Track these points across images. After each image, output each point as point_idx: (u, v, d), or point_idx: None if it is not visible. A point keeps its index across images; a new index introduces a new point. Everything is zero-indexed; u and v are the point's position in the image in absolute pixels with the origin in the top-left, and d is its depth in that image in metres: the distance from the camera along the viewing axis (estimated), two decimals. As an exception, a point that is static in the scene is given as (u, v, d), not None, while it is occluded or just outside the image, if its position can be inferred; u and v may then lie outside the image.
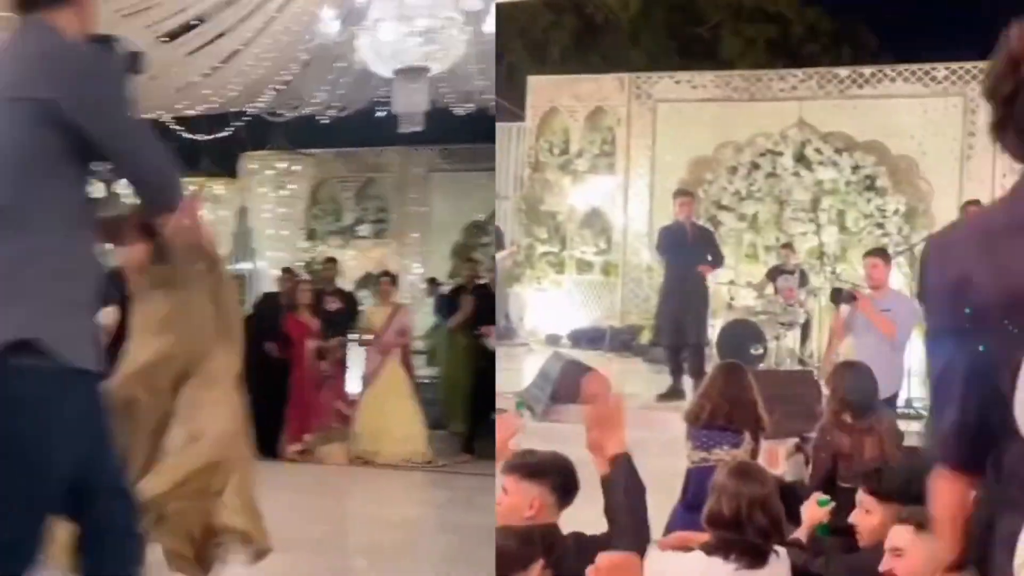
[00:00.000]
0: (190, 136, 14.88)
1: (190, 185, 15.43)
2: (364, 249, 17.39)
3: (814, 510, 5.02)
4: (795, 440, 7.17)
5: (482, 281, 13.47)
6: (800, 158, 15.91)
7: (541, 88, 17.19)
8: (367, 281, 16.06)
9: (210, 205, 16.08)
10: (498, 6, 10.42)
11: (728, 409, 5.94)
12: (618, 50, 20.43)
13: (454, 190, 17.51)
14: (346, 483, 10.59)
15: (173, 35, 10.72)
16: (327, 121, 13.36)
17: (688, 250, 11.67)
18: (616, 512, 3.76)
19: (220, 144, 15.18)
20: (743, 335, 12.83)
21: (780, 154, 15.94)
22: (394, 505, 9.75)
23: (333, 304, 12.30)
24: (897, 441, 6.20)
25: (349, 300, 12.92)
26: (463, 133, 14.96)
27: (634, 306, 16.55)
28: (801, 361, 13.39)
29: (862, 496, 4.57)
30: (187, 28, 10.58)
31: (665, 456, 6.23)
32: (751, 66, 18.63)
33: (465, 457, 11.89)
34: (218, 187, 16.21)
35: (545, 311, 16.75)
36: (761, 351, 12.65)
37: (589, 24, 21.31)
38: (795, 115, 16.02)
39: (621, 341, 15.49)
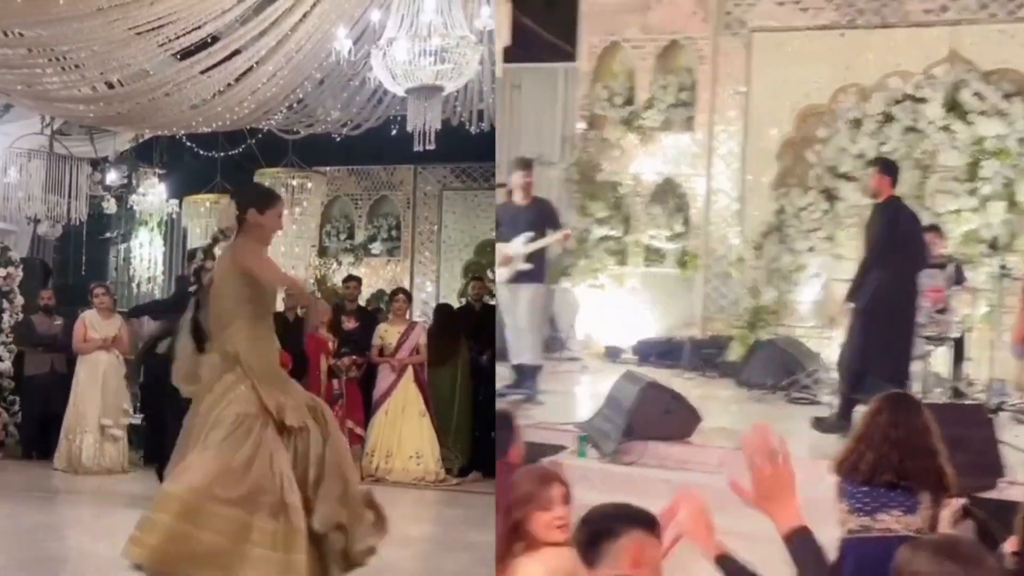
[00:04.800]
0: (204, 153, 14.96)
1: (205, 202, 15.63)
2: (376, 267, 17.41)
3: None
4: (962, 501, 5.70)
5: (493, 302, 13.22)
6: (953, 106, 12.06)
7: (598, 16, 13.75)
8: (378, 299, 16.07)
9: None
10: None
11: (898, 460, 4.65)
12: None
13: (466, 208, 17.50)
14: (357, 501, 10.58)
15: (187, 53, 10.76)
16: (340, 139, 13.37)
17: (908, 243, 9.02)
18: None
19: (234, 161, 15.24)
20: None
21: (924, 101, 12.18)
22: (405, 523, 9.73)
23: (350, 323, 12.34)
24: None
25: (368, 319, 12.92)
26: (475, 151, 14.94)
27: (720, 310, 13.35)
28: (956, 391, 10.31)
29: None
30: (201, 46, 10.62)
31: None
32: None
33: (476, 475, 11.88)
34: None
35: (603, 315, 13.65)
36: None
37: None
38: (945, 46, 12.42)
39: (703, 357, 12.54)
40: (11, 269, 13.33)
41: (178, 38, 10.31)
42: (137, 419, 12.59)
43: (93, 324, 12.04)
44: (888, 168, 9.41)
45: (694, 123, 13.53)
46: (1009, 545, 4.37)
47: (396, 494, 10.87)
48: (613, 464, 8.53)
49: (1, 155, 13.76)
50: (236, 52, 10.78)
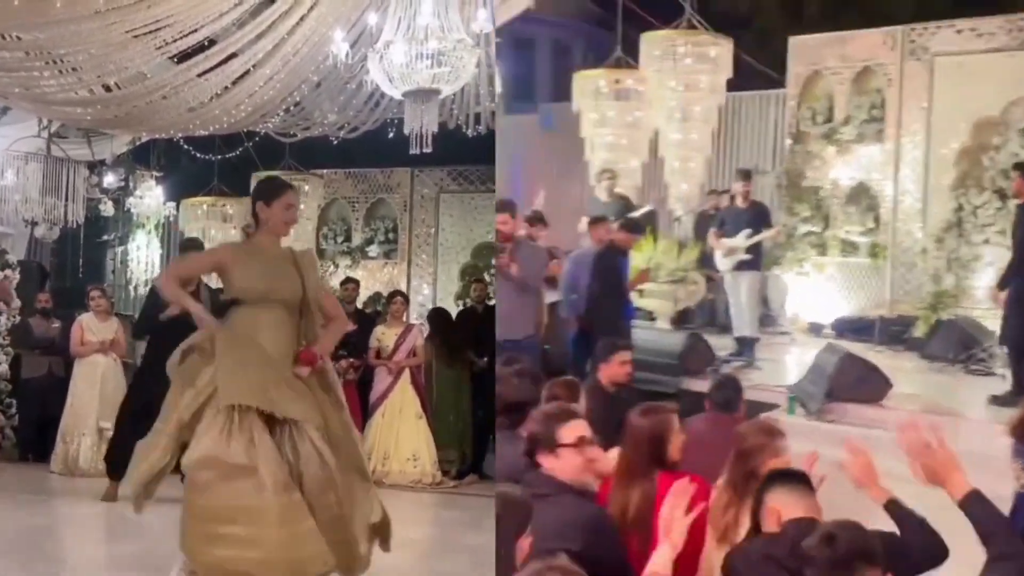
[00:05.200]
0: (201, 156, 14.98)
1: (203, 204, 15.67)
2: (373, 269, 17.43)
3: None
4: None
5: (492, 303, 13.28)
6: (1115, 114, 13.66)
7: (803, 49, 15.89)
8: (376, 301, 16.08)
9: (220, 225, 16.16)
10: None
11: None
12: (883, 1, 18.02)
13: (463, 211, 17.54)
14: (354, 503, 10.58)
15: (184, 56, 10.77)
16: (337, 142, 13.39)
17: None
18: (988, 541, 3.82)
19: (231, 164, 15.27)
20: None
21: (1085, 111, 13.80)
22: (402, 526, 9.69)
23: (348, 326, 12.32)
24: None
25: (366, 321, 12.93)
26: (472, 154, 14.99)
27: (906, 294, 14.95)
28: None
29: None
30: (198, 49, 10.63)
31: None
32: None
33: (473, 478, 11.90)
34: (229, 206, 16.27)
35: (807, 297, 15.61)
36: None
37: (850, -27, 19.12)
38: (1107, 63, 13.88)
39: (891, 333, 14.16)
40: (8, 272, 13.34)
41: (175, 41, 10.31)
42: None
43: (90, 327, 12.03)
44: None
45: (883, 135, 15.24)
46: None
47: (393, 497, 10.87)
48: (818, 421, 9.98)
49: (-2, 158, 13.78)
50: (233, 55, 10.78)
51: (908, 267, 14.97)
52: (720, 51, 13.39)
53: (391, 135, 12.15)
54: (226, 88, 11.36)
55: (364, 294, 16.31)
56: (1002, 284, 10.64)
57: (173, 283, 6.33)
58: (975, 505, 3.87)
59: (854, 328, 14.50)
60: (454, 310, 14.55)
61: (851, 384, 10.18)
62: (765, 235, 12.71)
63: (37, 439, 12.42)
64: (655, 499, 5.08)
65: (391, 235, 17.60)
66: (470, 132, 12.34)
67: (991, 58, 14.38)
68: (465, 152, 14.30)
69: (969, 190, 14.35)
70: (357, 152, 14.84)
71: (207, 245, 15.63)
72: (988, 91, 14.37)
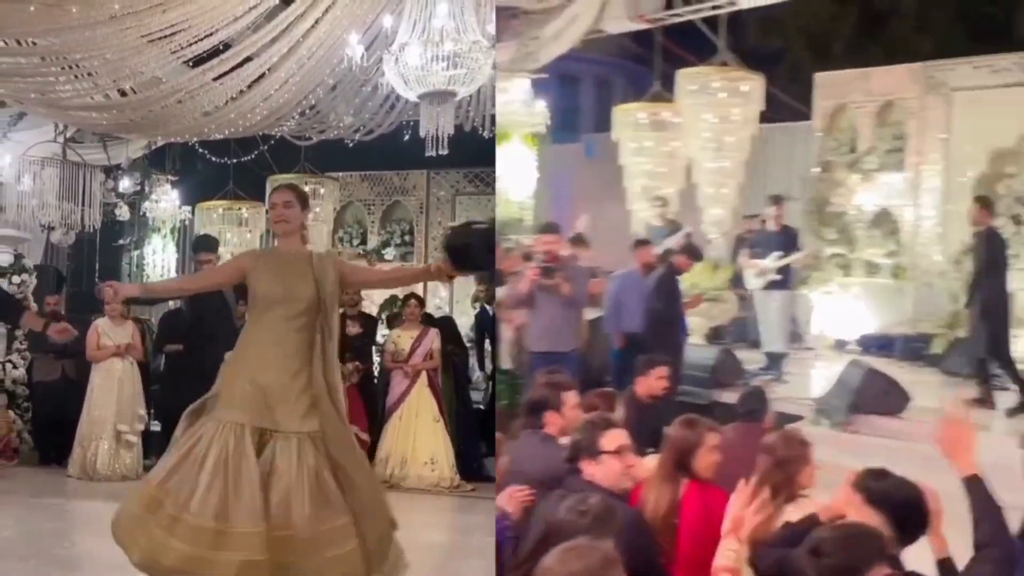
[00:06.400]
0: (216, 159, 14.97)
1: (218, 208, 15.66)
2: (390, 272, 17.42)
3: None
4: None
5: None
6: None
7: (829, 85, 16.75)
8: (391, 304, 16.05)
9: (236, 228, 16.15)
10: (782, 4, 11.96)
11: None
12: (904, 38, 18.94)
13: (479, 213, 17.50)
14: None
15: (199, 60, 10.77)
16: (352, 144, 13.38)
17: None
18: (977, 526, 4.00)
19: (246, 167, 15.26)
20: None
21: (1095, 142, 14.48)
22: (420, 530, 9.70)
23: (354, 328, 12.30)
24: None
25: (370, 324, 12.89)
26: (488, 156, 14.98)
27: (926, 312, 15.45)
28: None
29: None
30: (213, 53, 10.62)
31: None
32: (1055, 43, 17.13)
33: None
34: (244, 210, 16.26)
35: (833, 315, 16.29)
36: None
37: (873, 14, 20.06)
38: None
39: (912, 349, 14.76)
40: (25, 276, 13.35)
41: (190, 45, 10.33)
42: (153, 425, 12.62)
43: (106, 331, 12.04)
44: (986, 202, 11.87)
45: (904, 164, 15.93)
46: None
47: (411, 501, 10.85)
48: (841, 431, 10.47)
49: (15, 163, 13.79)
50: (248, 59, 10.79)
51: (928, 287, 15.47)
52: (752, 86, 14.11)
53: (407, 137, 12.14)
54: (241, 92, 11.36)
55: (380, 297, 16.27)
56: (968, 303, 11.67)
57: (186, 286, 6.39)
58: (974, 487, 4.03)
59: (877, 344, 15.02)
60: (471, 312, 14.55)
61: (874, 397, 10.70)
62: (794, 257, 13.24)
63: (51, 442, 12.42)
64: (678, 504, 5.44)
65: (407, 237, 17.58)
66: (486, 134, 12.33)
67: (1006, 92, 14.97)
68: (481, 154, 14.30)
69: None
70: (373, 155, 14.80)
71: (222, 249, 15.70)
72: (1004, 123, 14.89)
